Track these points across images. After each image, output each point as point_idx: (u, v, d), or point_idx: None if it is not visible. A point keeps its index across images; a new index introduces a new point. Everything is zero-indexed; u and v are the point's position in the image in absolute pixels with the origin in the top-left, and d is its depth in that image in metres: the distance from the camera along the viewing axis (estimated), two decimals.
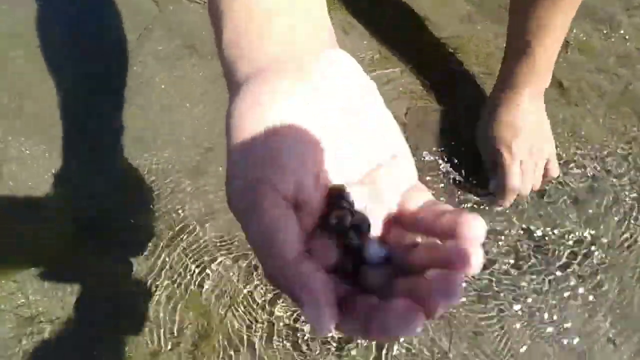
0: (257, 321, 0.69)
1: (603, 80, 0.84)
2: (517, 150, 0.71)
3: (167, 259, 0.72)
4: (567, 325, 0.69)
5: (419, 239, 0.25)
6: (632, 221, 0.75)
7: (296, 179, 0.23)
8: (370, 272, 0.24)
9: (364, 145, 0.26)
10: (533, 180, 0.73)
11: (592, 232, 0.74)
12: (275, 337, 0.68)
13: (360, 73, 0.26)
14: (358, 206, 0.25)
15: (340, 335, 0.67)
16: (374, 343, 0.67)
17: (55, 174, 0.77)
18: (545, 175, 0.74)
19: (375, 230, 0.25)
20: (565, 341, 0.69)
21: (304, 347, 0.67)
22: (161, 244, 0.73)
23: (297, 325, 0.68)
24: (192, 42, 0.86)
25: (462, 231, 0.21)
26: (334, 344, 0.67)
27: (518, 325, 0.69)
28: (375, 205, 0.25)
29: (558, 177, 0.76)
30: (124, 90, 0.82)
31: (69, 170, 0.78)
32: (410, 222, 0.25)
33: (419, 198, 0.25)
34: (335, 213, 0.24)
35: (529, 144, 0.72)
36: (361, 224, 0.24)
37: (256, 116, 0.23)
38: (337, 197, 0.24)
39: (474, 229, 0.22)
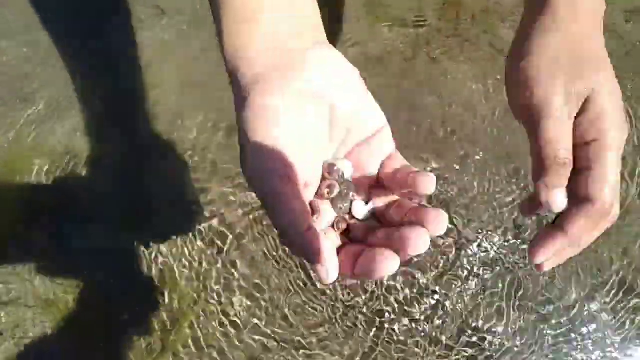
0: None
1: (608, 39, 0.78)
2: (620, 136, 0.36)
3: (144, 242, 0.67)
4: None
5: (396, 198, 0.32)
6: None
7: (302, 170, 0.30)
8: (357, 226, 0.32)
9: (354, 124, 0.32)
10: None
11: None
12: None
13: (344, 63, 0.32)
14: (347, 175, 0.32)
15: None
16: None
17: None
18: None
19: (362, 193, 0.33)
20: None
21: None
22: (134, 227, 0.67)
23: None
24: (157, 3, 0.78)
25: (416, 187, 0.30)
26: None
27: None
28: (360, 174, 0.33)
29: None
30: (95, 56, 0.75)
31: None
32: (387, 184, 0.32)
33: (393, 164, 0.32)
34: (327, 183, 0.32)
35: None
36: (347, 191, 0.32)
37: (265, 128, 0.29)
38: (328, 171, 0.32)
39: (425, 184, 0.29)
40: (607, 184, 0.32)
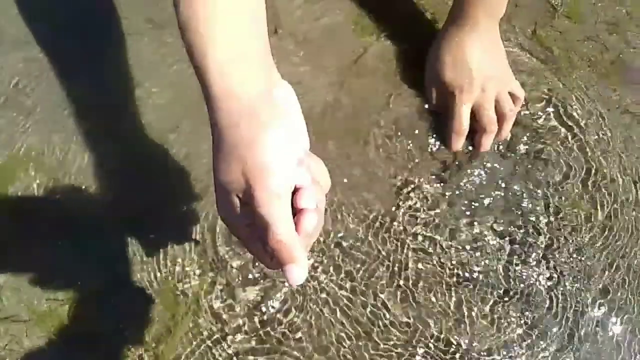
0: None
1: (592, 49, 0.80)
2: (469, 91, 0.69)
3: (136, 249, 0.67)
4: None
5: None
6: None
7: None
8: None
9: (299, 147, 0.38)
10: (495, 119, 0.71)
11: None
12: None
13: (294, 94, 0.39)
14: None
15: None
16: None
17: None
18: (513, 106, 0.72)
19: None
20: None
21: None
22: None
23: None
24: (150, 16, 0.79)
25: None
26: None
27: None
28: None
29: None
30: (90, 67, 0.76)
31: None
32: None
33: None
34: None
35: (481, 81, 0.69)
36: None
37: (278, 156, 0.36)
38: None
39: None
40: (483, 117, 0.71)
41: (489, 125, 0.71)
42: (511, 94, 0.71)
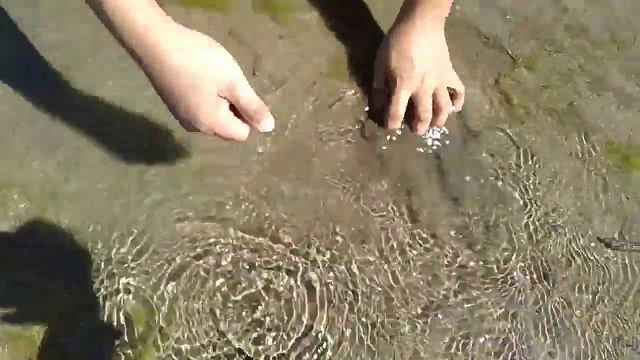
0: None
1: (548, 98, 0.87)
2: (409, 79, 0.77)
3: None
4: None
5: None
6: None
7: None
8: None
9: None
10: (430, 108, 0.78)
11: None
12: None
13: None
14: None
15: None
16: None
17: None
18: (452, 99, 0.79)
19: None
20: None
21: None
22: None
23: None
24: None
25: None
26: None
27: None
28: None
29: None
30: (77, 93, 0.78)
31: None
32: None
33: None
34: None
35: (422, 73, 0.77)
36: None
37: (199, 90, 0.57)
38: None
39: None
40: (420, 106, 0.78)
41: (423, 114, 0.78)
42: (452, 90, 0.79)
